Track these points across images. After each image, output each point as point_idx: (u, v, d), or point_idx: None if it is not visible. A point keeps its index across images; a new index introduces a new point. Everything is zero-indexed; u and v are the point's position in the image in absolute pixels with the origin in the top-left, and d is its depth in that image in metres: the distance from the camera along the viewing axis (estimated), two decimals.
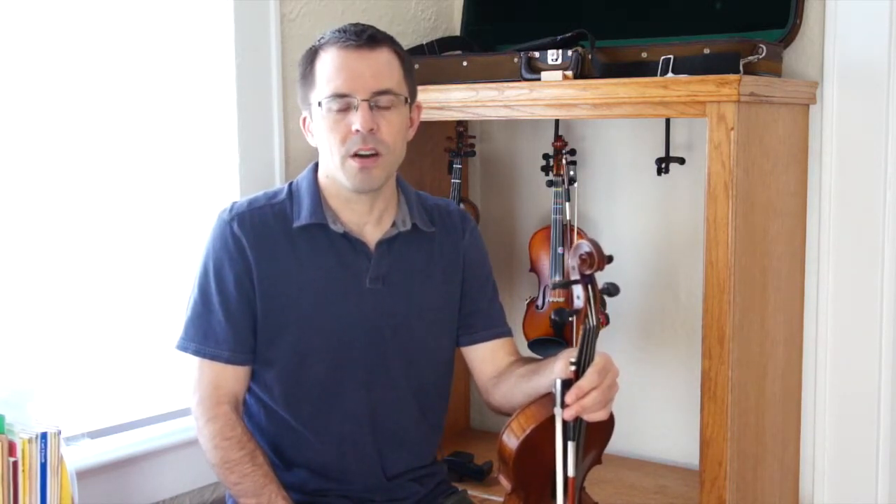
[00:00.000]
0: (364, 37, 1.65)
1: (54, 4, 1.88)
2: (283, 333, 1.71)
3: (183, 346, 1.72)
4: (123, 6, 2.00)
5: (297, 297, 1.70)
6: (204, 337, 1.70)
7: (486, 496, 2.27)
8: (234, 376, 1.71)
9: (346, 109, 1.65)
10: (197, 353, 1.70)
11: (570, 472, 1.54)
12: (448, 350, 1.85)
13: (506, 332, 1.87)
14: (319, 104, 1.67)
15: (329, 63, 1.66)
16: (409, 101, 1.72)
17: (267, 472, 1.66)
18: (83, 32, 1.93)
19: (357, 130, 1.63)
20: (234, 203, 1.75)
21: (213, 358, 1.70)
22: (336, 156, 1.67)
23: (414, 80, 1.76)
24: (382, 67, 1.66)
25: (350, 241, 1.72)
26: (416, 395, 1.79)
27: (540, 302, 2.43)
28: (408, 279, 1.76)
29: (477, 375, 1.86)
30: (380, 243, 1.74)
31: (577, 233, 2.37)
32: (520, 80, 2.14)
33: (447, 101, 2.18)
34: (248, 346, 1.71)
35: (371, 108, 1.64)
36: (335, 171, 1.69)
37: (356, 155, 1.65)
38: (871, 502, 2.25)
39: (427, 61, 2.32)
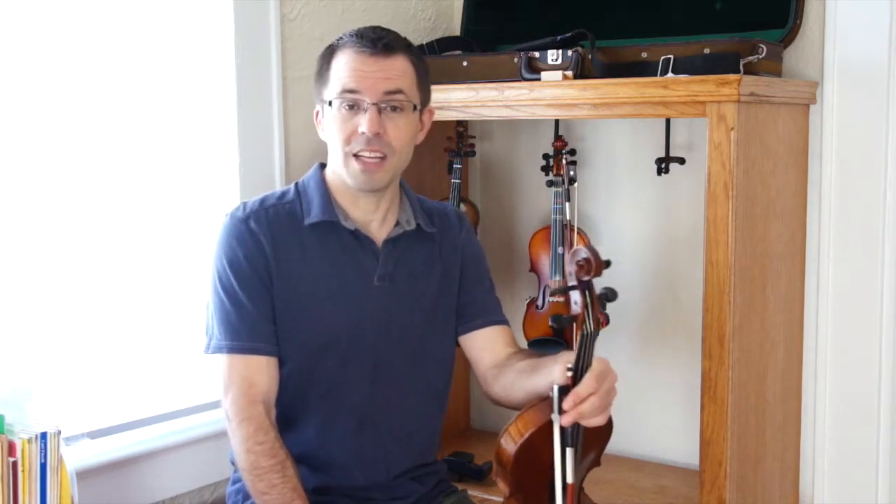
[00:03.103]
0: (380, 45, 1.68)
1: (54, 5, 1.87)
2: (295, 330, 1.71)
3: (217, 348, 1.69)
4: (123, 6, 1.99)
5: (309, 294, 1.71)
6: (231, 333, 1.68)
7: (485, 496, 2.27)
8: (267, 370, 1.68)
9: (355, 110, 1.67)
10: (230, 350, 1.68)
11: (569, 479, 1.53)
12: (449, 347, 1.86)
13: (502, 320, 1.88)
14: (330, 103, 1.69)
15: (343, 64, 1.69)
16: (418, 108, 1.73)
17: (296, 485, 1.63)
18: (83, 33, 1.93)
19: (363, 133, 1.66)
20: (245, 203, 1.76)
21: (241, 351, 1.67)
22: (340, 153, 1.70)
23: (428, 88, 1.78)
24: (395, 73, 1.68)
25: (359, 239, 1.74)
26: (419, 393, 1.80)
27: (540, 302, 2.43)
28: (411, 278, 1.78)
29: (476, 365, 1.86)
30: (386, 241, 1.76)
31: (577, 233, 2.37)
32: (520, 80, 2.14)
33: (447, 101, 2.18)
34: (274, 335, 1.70)
35: (380, 111, 1.67)
36: (340, 168, 1.71)
37: (359, 155, 1.68)
38: (871, 502, 2.25)
39: (427, 61, 2.31)
